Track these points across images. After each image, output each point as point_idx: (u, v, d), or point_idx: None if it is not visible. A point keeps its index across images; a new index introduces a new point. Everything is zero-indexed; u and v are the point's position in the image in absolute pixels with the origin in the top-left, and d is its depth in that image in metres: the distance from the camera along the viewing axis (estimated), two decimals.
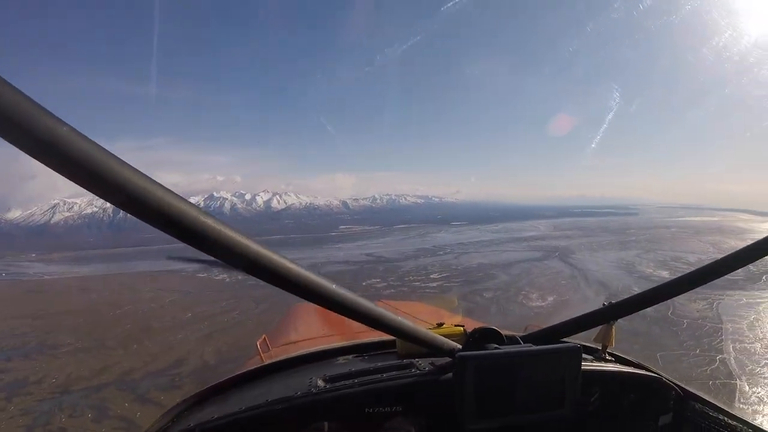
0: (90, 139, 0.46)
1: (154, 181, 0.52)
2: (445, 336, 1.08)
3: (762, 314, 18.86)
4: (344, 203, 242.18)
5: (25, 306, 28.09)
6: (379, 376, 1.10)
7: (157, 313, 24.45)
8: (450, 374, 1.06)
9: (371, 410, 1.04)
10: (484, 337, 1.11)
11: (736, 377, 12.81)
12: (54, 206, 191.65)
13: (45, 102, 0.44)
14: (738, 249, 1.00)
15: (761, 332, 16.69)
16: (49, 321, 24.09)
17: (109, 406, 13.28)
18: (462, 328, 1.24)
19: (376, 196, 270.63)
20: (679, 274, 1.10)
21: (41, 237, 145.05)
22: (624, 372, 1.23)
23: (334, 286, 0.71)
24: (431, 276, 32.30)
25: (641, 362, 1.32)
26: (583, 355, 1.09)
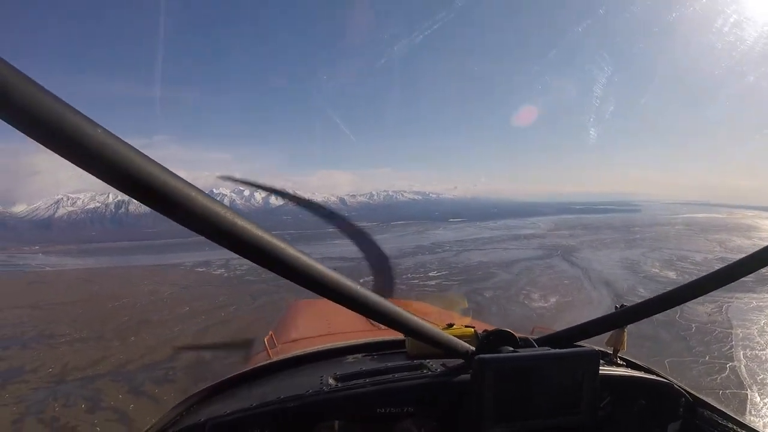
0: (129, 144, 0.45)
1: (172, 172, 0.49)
2: (457, 337, 1.06)
3: None
4: (341, 200, 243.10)
5: (26, 296, 28.40)
6: (391, 376, 1.09)
7: (155, 306, 24.56)
8: (464, 376, 1.06)
9: (383, 410, 1.04)
10: (498, 339, 1.10)
11: (747, 387, 12.38)
12: (58, 201, 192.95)
13: None
14: (753, 252, 0.95)
15: None
16: (48, 311, 24.29)
17: (102, 398, 13.33)
18: (473, 330, 1.21)
19: (374, 192, 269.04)
20: (686, 275, 0.93)
21: (45, 231, 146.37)
22: (635, 377, 1.22)
23: (348, 281, 0.68)
24: (429, 274, 32.17)
25: (651, 367, 1.31)
26: None
